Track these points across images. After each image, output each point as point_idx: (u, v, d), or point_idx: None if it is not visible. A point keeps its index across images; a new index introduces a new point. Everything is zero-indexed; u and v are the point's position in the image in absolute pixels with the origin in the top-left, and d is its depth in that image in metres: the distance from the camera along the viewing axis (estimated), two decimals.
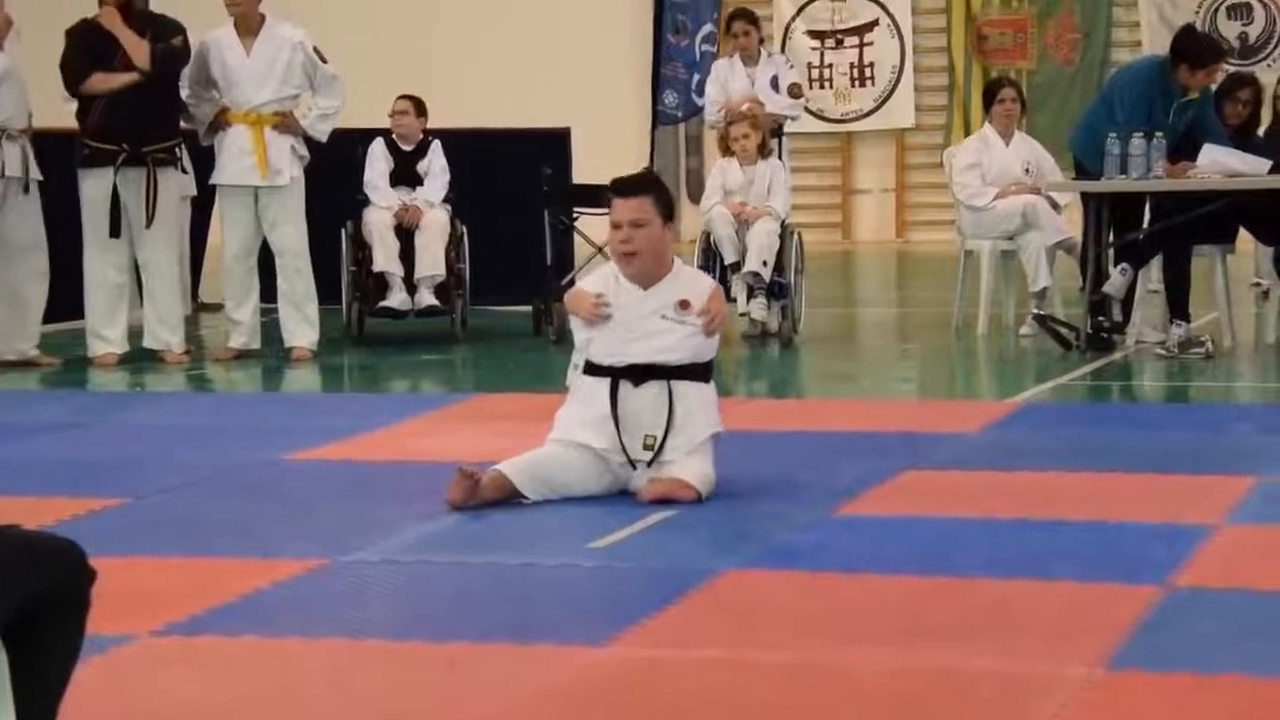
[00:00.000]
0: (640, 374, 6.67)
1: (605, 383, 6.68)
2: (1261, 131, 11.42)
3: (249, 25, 11.06)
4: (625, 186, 6.79)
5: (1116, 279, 10.79)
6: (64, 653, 3.72)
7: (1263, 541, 6.06)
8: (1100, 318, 10.82)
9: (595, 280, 6.92)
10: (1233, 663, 4.65)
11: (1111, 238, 10.87)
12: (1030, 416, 8.71)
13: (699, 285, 6.88)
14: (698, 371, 6.76)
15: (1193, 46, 11.01)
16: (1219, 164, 10.58)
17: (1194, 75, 10.76)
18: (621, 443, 6.65)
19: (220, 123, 11.10)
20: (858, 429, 8.33)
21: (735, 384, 10.09)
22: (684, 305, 6.72)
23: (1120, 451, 7.59)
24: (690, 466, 6.63)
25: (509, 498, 6.61)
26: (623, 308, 6.73)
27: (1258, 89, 11.42)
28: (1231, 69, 13.33)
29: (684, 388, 6.70)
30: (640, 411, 6.67)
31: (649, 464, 6.66)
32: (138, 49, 10.68)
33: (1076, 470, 7.22)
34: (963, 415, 8.78)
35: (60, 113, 11.16)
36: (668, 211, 6.75)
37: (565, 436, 6.73)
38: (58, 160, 10.91)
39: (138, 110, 10.66)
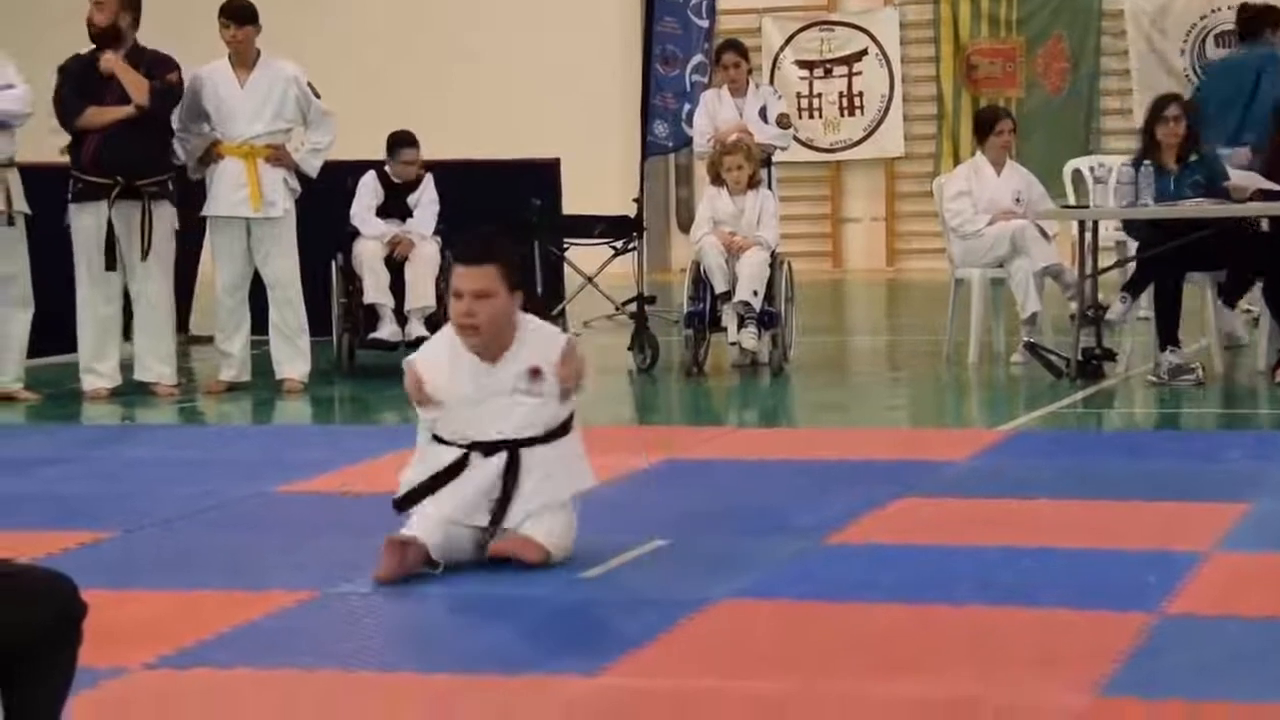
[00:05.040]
0: (489, 448, 6.23)
1: (454, 452, 6.24)
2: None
3: (244, 59, 11.11)
4: (468, 254, 6.18)
5: (1117, 306, 10.82)
6: (56, 686, 3.72)
7: (1254, 568, 6.06)
8: (1090, 345, 10.84)
9: (433, 349, 6.36)
10: (1224, 690, 4.65)
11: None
12: (1021, 444, 8.72)
13: (549, 348, 6.23)
14: (554, 432, 6.28)
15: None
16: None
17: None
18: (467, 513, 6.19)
19: (212, 155, 11.12)
20: (848, 458, 8.33)
21: (726, 413, 10.08)
22: (535, 374, 6.20)
23: (1111, 479, 7.61)
24: (542, 526, 6.16)
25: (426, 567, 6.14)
26: (464, 383, 6.22)
27: (1186, 107, 11.09)
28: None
29: (539, 453, 6.22)
30: (489, 480, 6.21)
31: (490, 532, 6.20)
32: (138, 87, 10.70)
33: (1067, 498, 7.23)
34: (954, 443, 8.79)
35: (45, 147, 11.19)
36: (515, 280, 6.16)
37: (427, 512, 6.19)
38: (44, 195, 10.89)
39: (132, 145, 10.68)
